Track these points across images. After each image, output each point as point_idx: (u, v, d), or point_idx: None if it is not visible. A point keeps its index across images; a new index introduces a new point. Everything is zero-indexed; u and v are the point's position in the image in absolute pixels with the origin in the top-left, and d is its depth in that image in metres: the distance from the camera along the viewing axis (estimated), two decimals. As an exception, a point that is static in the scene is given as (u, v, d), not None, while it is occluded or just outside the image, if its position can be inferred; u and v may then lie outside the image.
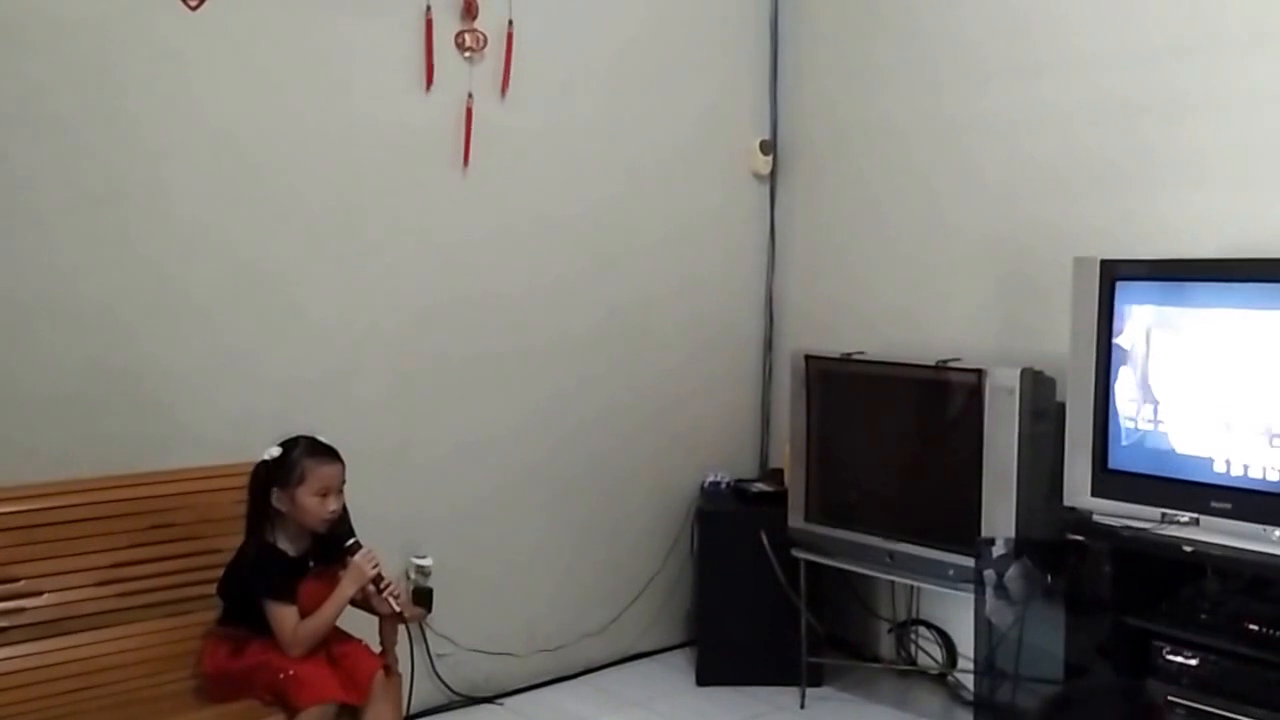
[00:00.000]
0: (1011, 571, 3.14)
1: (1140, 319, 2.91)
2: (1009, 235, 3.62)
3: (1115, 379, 2.94)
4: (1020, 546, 3.13)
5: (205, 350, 3.23)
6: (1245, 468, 2.72)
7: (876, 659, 4.06)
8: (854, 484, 3.68)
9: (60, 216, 3.01)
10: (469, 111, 3.63)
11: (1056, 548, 3.04)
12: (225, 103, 3.22)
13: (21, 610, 2.80)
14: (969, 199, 3.73)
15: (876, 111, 3.99)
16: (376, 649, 2.95)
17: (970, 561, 3.20)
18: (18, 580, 2.80)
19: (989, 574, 3.15)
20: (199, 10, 3.15)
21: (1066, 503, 3.02)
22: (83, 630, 2.86)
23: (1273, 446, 2.67)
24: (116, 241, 3.09)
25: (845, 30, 4.11)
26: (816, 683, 3.85)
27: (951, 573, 3.34)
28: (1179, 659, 2.78)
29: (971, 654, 3.26)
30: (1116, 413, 2.95)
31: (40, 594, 2.83)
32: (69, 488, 2.91)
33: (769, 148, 4.31)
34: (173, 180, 3.16)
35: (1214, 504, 2.75)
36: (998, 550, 3.14)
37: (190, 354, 3.21)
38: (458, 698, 3.73)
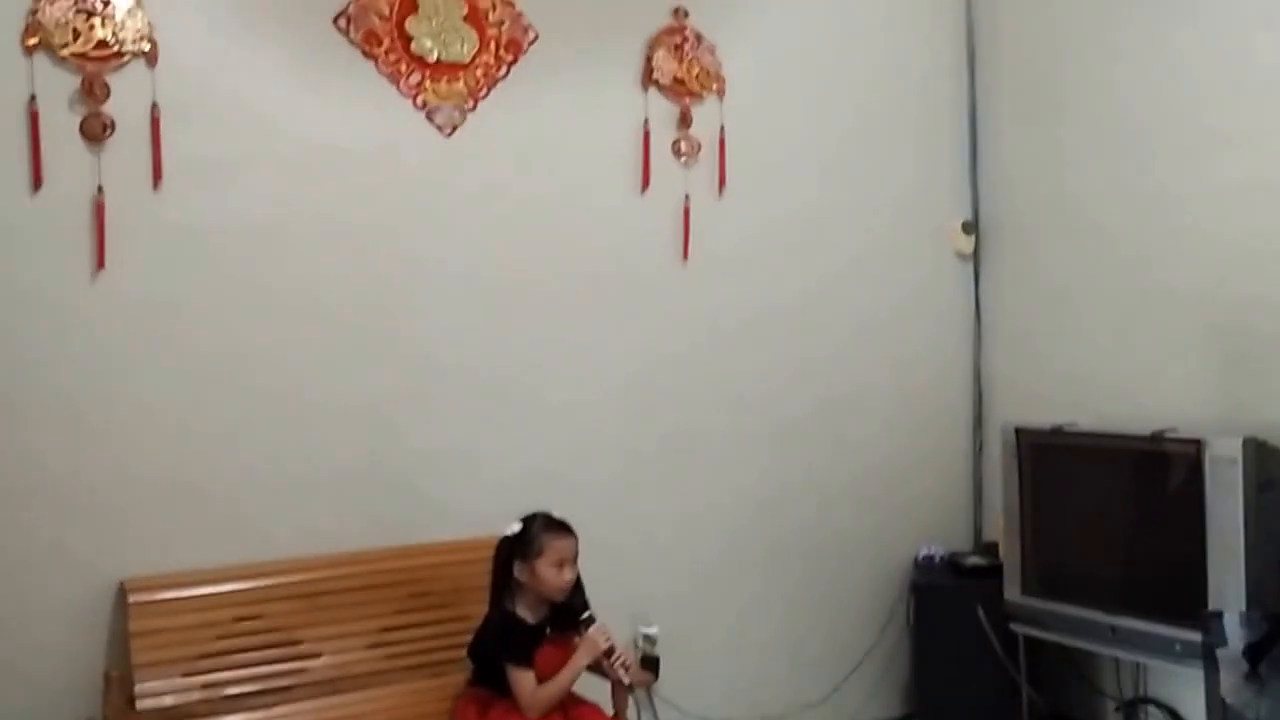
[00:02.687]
0: (1257, 651, 2.98)
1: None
2: (1228, 302, 3.51)
3: (1344, 447, 2.81)
4: (1264, 623, 2.97)
5: (458, 438, 3.48)
6: None
7: (1103, 737, 3.92)
8: (1071, 556, 3.60)
9: (336, 325, 3.32)
10: (686, 210, 3.79)
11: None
12: (473, 216, 3.50)
13: (304, 670, 3.05)
14: (1177, 269, 3.64)
15: (1076, 186, 3.97)
16: (609, 712, 3.05)
17: (1197, 636, 3.08)
18: (301, 643, 3.06)
19: (1226, 651, 3.01)
20: (451, 137, 3.45)
21: (1297, 575, 2.88)
22: (355, 689, 3.07)
23: None
24: (385, 347, 3.39)
25: (1041, 108, 4.11)
26: (1040, 759, 3.75)
27: (1178, 648, 3.21)
28: None
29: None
30: (1349, 482, 2.82)
31: (320, 655, 3.08)
32: (344, 560, 3.18)
33: (971, 227, 4.32)
34: (431, 290, 3.45)
35: None
36: (1238, 627, 2.99)
37: (445, 441, 3.46)
38: (685, 761, 3.79)
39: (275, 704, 2.96)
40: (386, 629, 3.15)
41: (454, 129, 3.45)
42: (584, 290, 3.67)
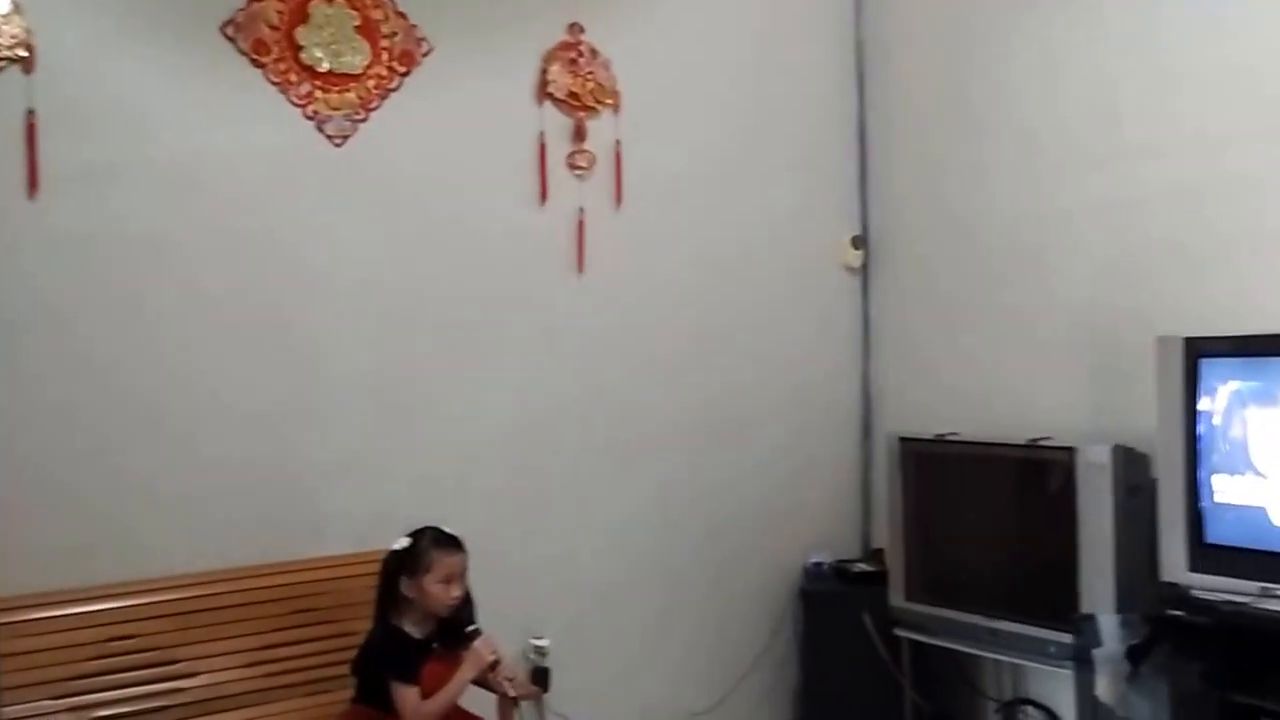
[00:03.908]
0: (1124, 651, 3.03)
1: (1226, 394, 2.85)
2: (1098, 316, 3.58)
3: (1205, 453, 2.87)
4: (1131, 625, 3.02)
5: (343, 450, 3.39)
6: (1343, 540, 2.63)
7: (985, 737, 3.95)
8: (953, 562, 3.63)
9: (222, 335, 3.23)
10: (580, 223, 3.76)
11: (1159, 623, 2.94)
12: (366, 227, 3.43)
13: (180, 690, 2.94)
14: (1059, 282, 3.70)
15: (962, 201, 4.02)
16: (497, 725, 3.00)
17: (1070, 638, 3.12)
18: (176, 662, 2.96)
19: (1098, 652, 3.06)
20: (342, 147, 3.37)
21: (1164, 578, 2.93)
22: (233, 709, 2.99)
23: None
24: (273, 357, 3.30)
25: (929, 125, 4.16)
26: (924, 760, 3.77)
27: (1053, 650, 3.26)
28: (1292, 735, 2.67)
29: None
30: (1209, 487, 2.87)
31: (196, 675, 2.98)
32: (224, 576, 3.07)
33: (860, 242, 4.35)
34: (323, 300, 3.37)
35: (1313, 577, 2.65)
36: (1108, 629, 3.05)
37: (329, 454, 3.37)
38: (576, 773, 3.74)
39: (149, 726, 2.86)
40: (267, 646, 3.05)
41: (345, 139, 3.38)
42: (478, 302, 3.62)
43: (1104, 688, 3.06)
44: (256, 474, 3.25)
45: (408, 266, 3.49)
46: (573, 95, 3.75)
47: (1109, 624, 3.07)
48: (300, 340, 3.33)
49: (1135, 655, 3.00)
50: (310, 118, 3.33)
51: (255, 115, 3.25)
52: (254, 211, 3.25)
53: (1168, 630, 2.91)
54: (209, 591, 3.01)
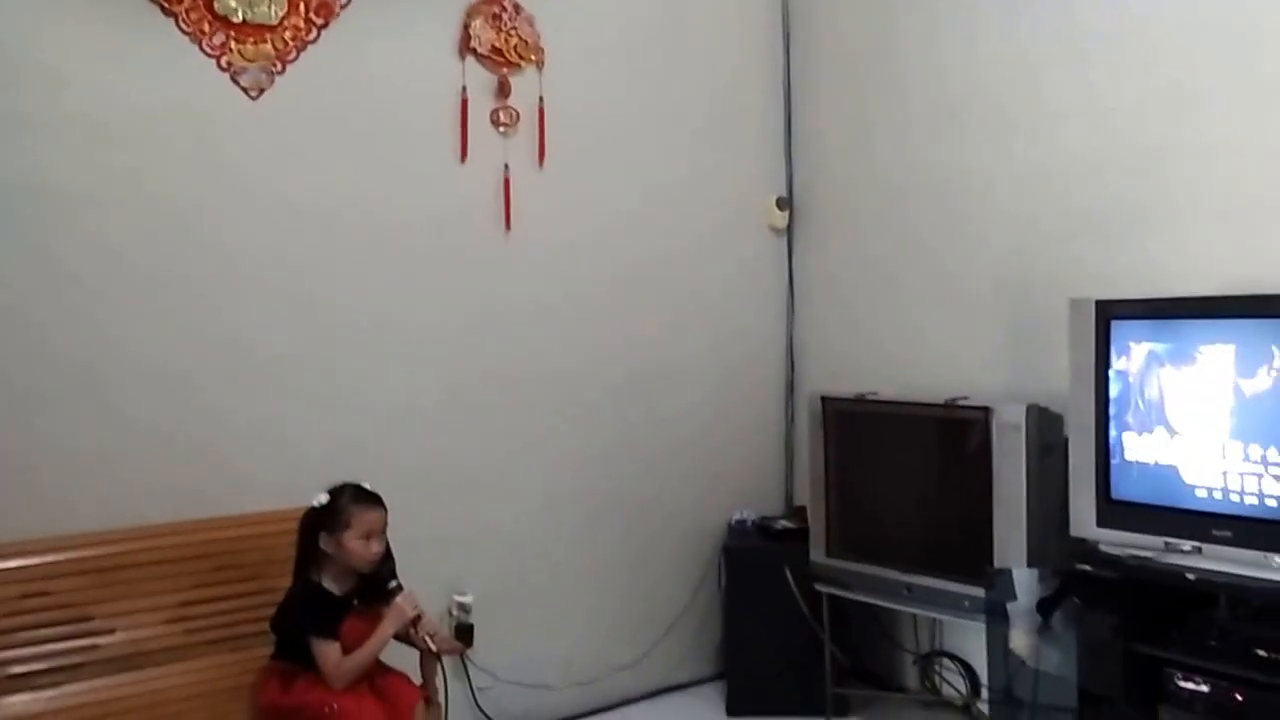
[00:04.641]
0: (1035, 604, 3.10)
1: (1136, 355, 2.90)
2: (1015, 278, 3.63)
3: (1114, 413, 2.93)
4: (1067, 585, 3.09)
5: (263, 409, 3.34)
6: (1243, 497, 2.69)
7: (902, 690, 4.03)
8: (872, 519, 3.68)
9: (136, 295, 3.15)
10: (506, 181, 3.71)
11: (1068, 577, 3.00)
12: (283, 179, 3.36)
13: (96, 647, 2.88)
14: (977, 246, 3.75)
15: (887, 166, 4.04)
16: (418, 680, 2.99)
17: (984, 592, 3.18)
18: (93, 619, 2.89)
19: (1010, 606, 3.12)
20: (259, 100, 3.29)
21: (1073, 534, 2.99)
22: (151, 665, 2.93)
23: (1269, 476, 2.64)
24: (188, 309, 3.22)
25: (854, 87, 4.17)
26: (843, 713, 3.82)
27: (967, 604, 3.32)
28: (1190, 685, 2.73)
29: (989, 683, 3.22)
30: (1118, 446, 2.93)
31: (113, 631, 2.92)
32: (141, 533, 3.01)
33: (785, 203, 4.36)
34: (234, 257, 3.30)
35: (1215, 532, 2.71)
36: (1020, 583, 3.11)
37: (253, 412, 3.32)
38: (499, 729, 3.76)
39: (64, 682, 2.80)
40: (186, 603, 2.99)
41: (261, 92, 3.29)
42: (401, 259, 3.57)
43: (1017, 640, 3.12)
44: (174, 433, 3.19)
45: (326, 225, 3.43)
46: (496, 51, 3.69)
47: (1022, 578, 3.13)
48: (216, 299, 3.26)
49: (1045, 608, 3.06)
50: (224, 69, 3.24)
51: (167, 66, 3.15)
52: (167, 165, 3.17)
53: (1076, 584, 2.98)
54: (126, 549, 2.95)
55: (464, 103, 3.64)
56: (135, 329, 3.14)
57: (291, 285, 3.38)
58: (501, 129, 3.72)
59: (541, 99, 3.78)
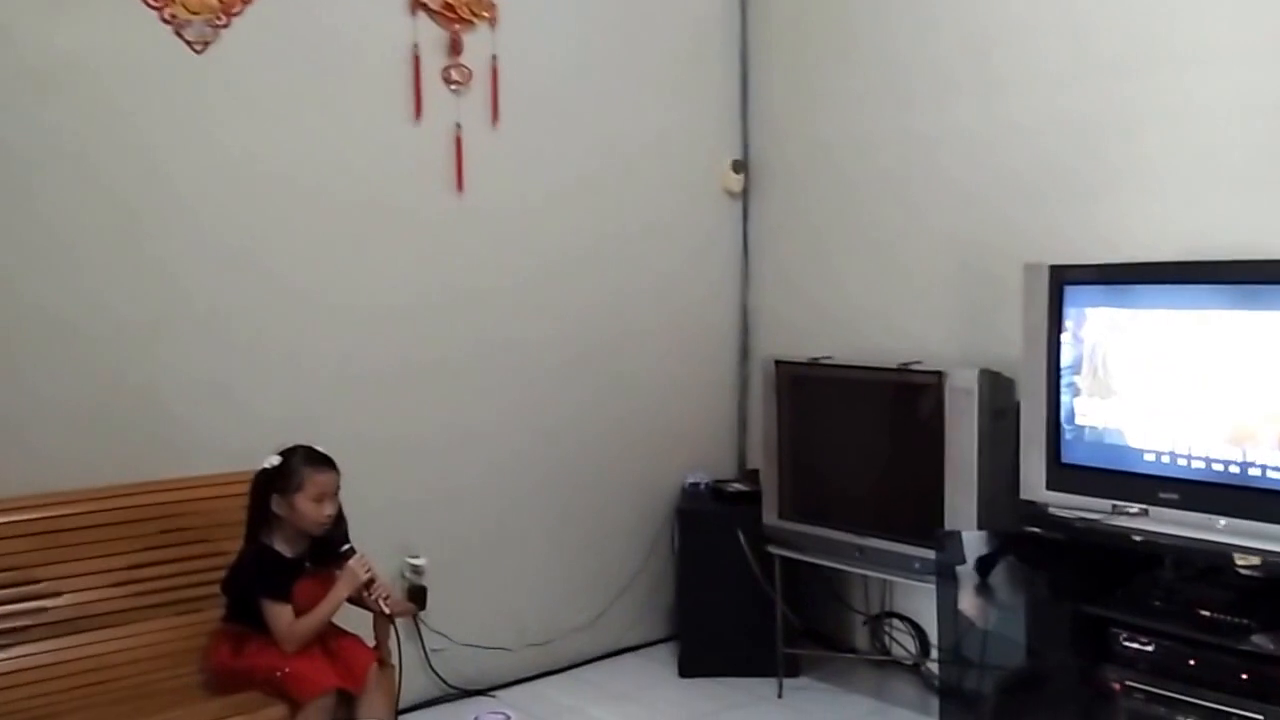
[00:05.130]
0: (985, 566, 3.14)
1: (1088, 320, 2.93)
2: (970, 243, 3.64)
3: (1065, 378, 2.96)
4: (1004, 544, 3.13)
5: (214, 369, 3.28)
6: (1189, 460, 2.74)
7: (852, 650, 4.07)
8: (825, 482, 3.70)
9: (85, 245, 3.07)
10: (459, 140, 3.66)
11: (1017, 540, 3.04)
12: (232, 136, 3.28)
13: (43, 610, 2.84)
14: (933, 210, 3.75)
15: (840, 129, 4.03)
16: (371, 643, 2.97)
17: (934, 555, 3.21)
18: (39, 582, 2.84)
19: (960, 568, 3.15)
20: (204, 54, 3.20)
21: (1023, 496, 3.03)
22: (99, 628, 2.89)
23: (1214, 440, 2.69)
24: (135, 268, 3.15)
25: (809, 53, 4.15)
26: (794, 673, 3.86)
27: (918, 565, 3.36)
28: (1135, 645, 2.78)
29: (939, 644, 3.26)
30: (1069, 410, 2.97)
31: (60, 594, 2.87)
32: (88, 495, 2.95)
33: (740, 167, 4.34)
34: (186, 210, 3.22)
35: (1161, 495, 2.76)
36: (976, 548, 3.15)
37: (200, 372, 3.26)
38: (452, 690, 3.74)
39: (9, 645, 2.76)
40: (134, 566, 2.94)
41: (206, 45, 3.20)
42: (351, 218, 3.51)
43: (965, 601, 3.16)
44: (120, 394, 3.12)
45: (274, 183, 3.36)
46: (448, 7, 3.62)
47: (971, 541, 3.17)
48: (161, 256, 3.19)
49: (983, 566, 3.11)
50: (168, 21, 3.14)
51: (109, 17, 3.06)
52: (109, 119, 3.08)
53: (1015, 544, 3.02)
54: (73, 511, 2.89)
55: (416, 60, 3.57)
56: (74, 287, 3.05)
57: (239, 243, 3.31)
58: (454, 87, 3.66)
59: (495, 57, 3.72)
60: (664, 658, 4.10)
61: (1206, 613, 2.68)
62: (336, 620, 2.91)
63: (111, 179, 3.10)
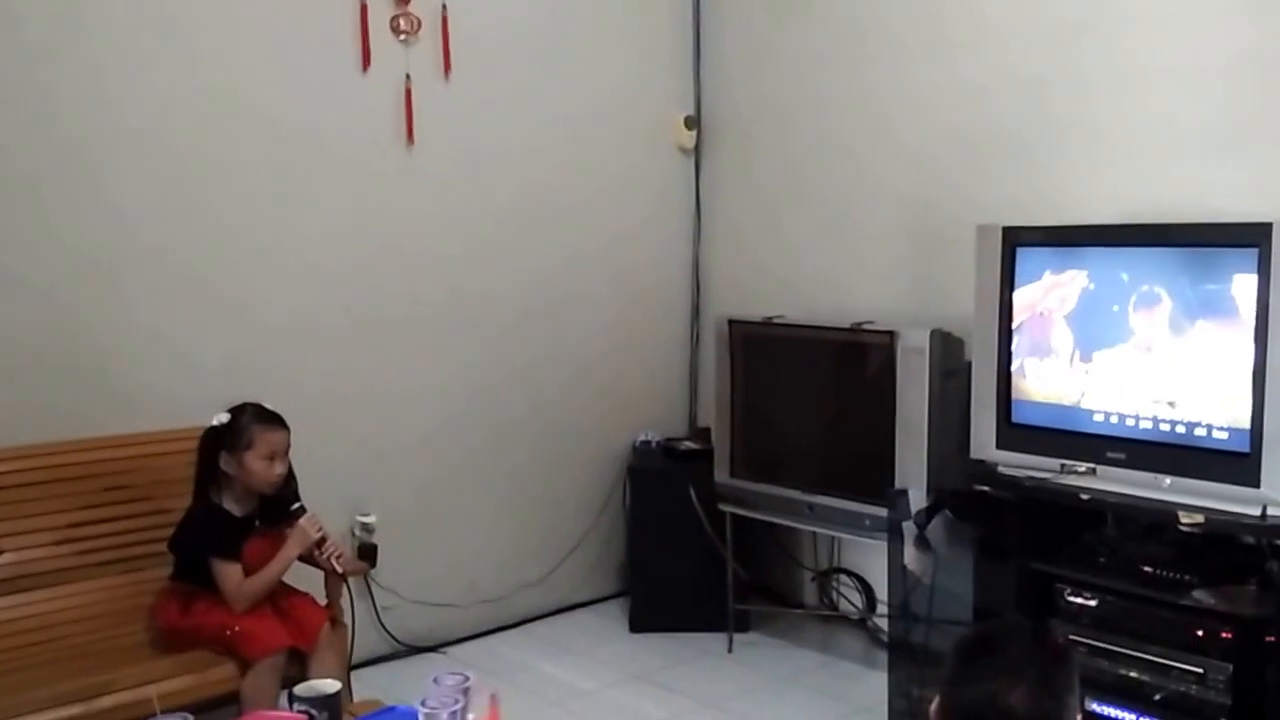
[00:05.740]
0: (933, 524, 3.18)
1: (1040, 282, 2.95)
2: (922, 204, 3.65)
3: (1017, 338, 2.98)
4: (941, 499, 3.17)
5: (157, 324, 3.21)
6: (1137, 420, 2.78)
7: (800, 606, 4.11)
8: (776, 440, 3.72)
9: (13, 202, 2.97)
10: (408, 92, 3.58)
11: (967, 498, 3.08)
12: (169, 84, 3.19)
13: (-16, 568, 2.77)
14: (885, 169, 3.76)
15: (795, 87, 4.01)
16: (323, 601, 2.95)
17: (884, 512, 3.25)
18: (-21, 540, 2.77)
19: (908, 525, 3.19)
20: (145, -1, 3.11)
21: (974, 456, 3.06)
22: (42, 587, 2.84)
23: (1161, 401, 2.73)
24: (76, 211, 3.06)
25: (763, 9, 4.11)
26: (743, 628, 3.89)
27: (868, 523, 3.39)
28: (1079, 600, 2.84)
29: (888, 599, 3.31)
30: (1019, 370, 2.99)
31: (1, 553, 2.79)
32: (28, 452, 2.89)
33: (693, 123, 4.30)
34: (111, 162, 3.13)
35: (1109, 454, 2.80)
36: (918, 503, 3.18)
37: (142, 328, 3.19)
38: (402, 647, 3.73)
39: (-49, 604, 2.70)
40: (78, 524, 2.89)
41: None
42: (296, 169, 3.44)
43: (911, 557, 3.20)
44: (58, 347, 3.04)
45: (216, 133, 3.27)
46: (394, -47, 3.55)
47: (919, 499, 3.21)
48: (105, 200, 3.10)
49: (922, 519, 3.16)
50: (112, -35, 3.05)
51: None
52: (41, 62, 2.97)
53: (973, 504, 3.05)
54: (14, 468, 2.82)
55: (363, 7, 3.48)
56: (8, 238, 2.95)
57: (182, 190, 3.23)
58: (402, 37, 3.58)
59: (444, 6, 3.64)
60: (615, 613, 4.12)
61: (1150, 569, 2.74)
62: (287, 579, 2.87)
63: (50, 127, 3.00)
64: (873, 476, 3.32)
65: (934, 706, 1.58)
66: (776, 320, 3.67)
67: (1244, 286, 2.54)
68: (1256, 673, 2.55)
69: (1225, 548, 2.65)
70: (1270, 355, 2.48)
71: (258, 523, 2.86)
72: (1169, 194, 3.00)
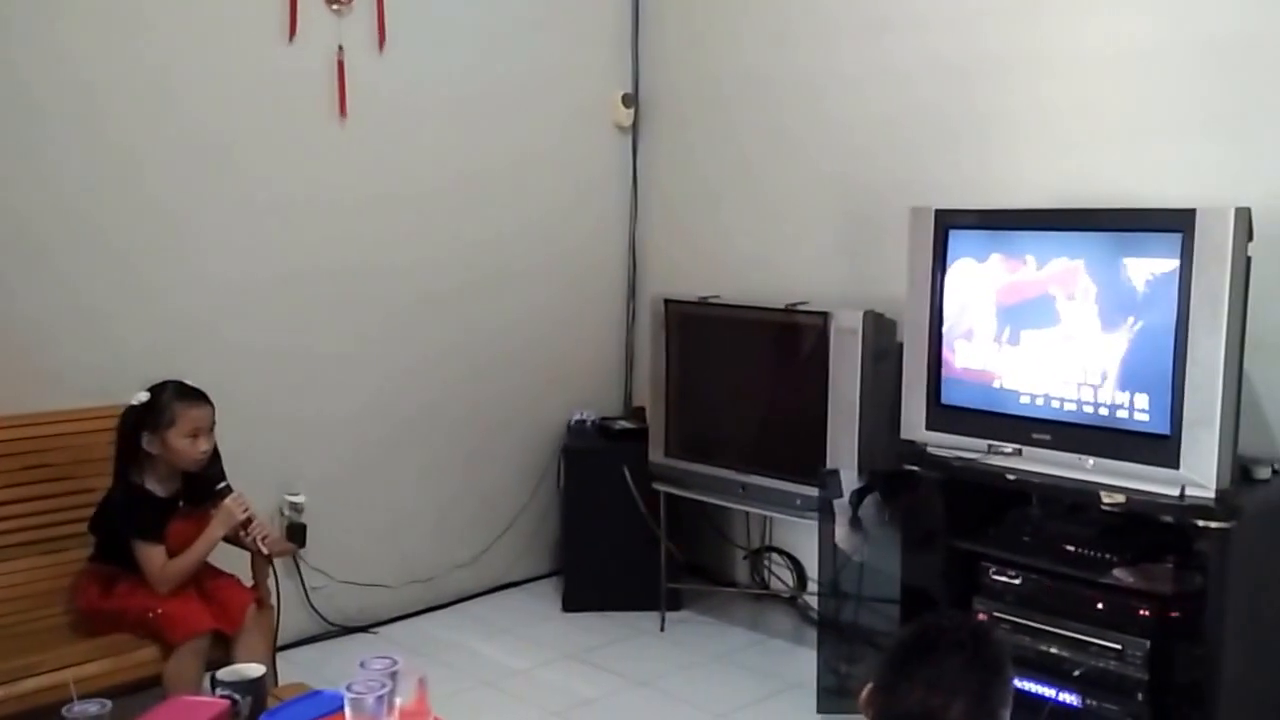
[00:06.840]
0: (864, 503, 3.20)
1: (971, 265, 2.97)
2: (856, 186, 3.67)
3: (947, 320, 3.01)
4: (872, 479, 3.20)
5: (77, 300, 3.13)
6: (1062, 402, 2.81)
7: (732, 584, 4.13)
8: (711, 421, 3.73)
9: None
10: (340, 64, 3.52)
11: (896, 478, 3.11)
12: (91, 51, 3.11)
13: (-103, 549, 2.70)
14: (819, 151, 3.76)
15: (733, 67, 4.00)
16: (249, 583, 2.90)
17: (816, 491, 3.27)
18: (-109, 520, 2.70)
19: (840, 504, 3.21)
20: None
21: (904, 436, 3.08)
22: (-43, 569, 2.77)
23: (1085, 383, 2.77)
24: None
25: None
26: (676, 607, 3.91)
27: (799, 502, 3.41)
28: (1003, 578, 2.88)
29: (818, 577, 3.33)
30: (950, 352, 3.02)
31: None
32: (-62, 430, 2.80)
33: (630, 100, 4.28)
34: (38, 135, 3.04)
35: (1035, 436, 2.83)
36: (850, 483, 3.20)
37: (61, 303, 3.11)
38: (332, 628, 3.70)
39: None
40: (-5, 504, 2.82)
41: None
42: (223, 142, 3.36)
43: (841, 534, 3.23)
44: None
45: (141, 103, 3.20)
46: (325, -84, 3.47)
47: (850, 478, 3.23)
48: (31, 180, 3.02)
49: (856, 498, 3.19)
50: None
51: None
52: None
53: (902, 484, 3.08)
54: (-77, 446, 2.75)
55: (294, -25, 3.42)
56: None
57: (110, 164, 3.15)
58: (335, 7, 3.51)
59: (381, -25, 3.58)
60: (548, 593, 4.11)
61: (1072, 548, 2.79)
62: (212, 560, 2.83)
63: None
64: (805, 456, 3.34)
65: (864, 697, 1.57)
66: (712, 300, 3.67)
67: (1167, 271, 2.58)
68: (1173, 649, 2.61)
69: (1145, 527, 2.70)
70: (1190, 339, 2.52)
71: (182, 503, 2.81)
72: (1098, 179, 3.04)
